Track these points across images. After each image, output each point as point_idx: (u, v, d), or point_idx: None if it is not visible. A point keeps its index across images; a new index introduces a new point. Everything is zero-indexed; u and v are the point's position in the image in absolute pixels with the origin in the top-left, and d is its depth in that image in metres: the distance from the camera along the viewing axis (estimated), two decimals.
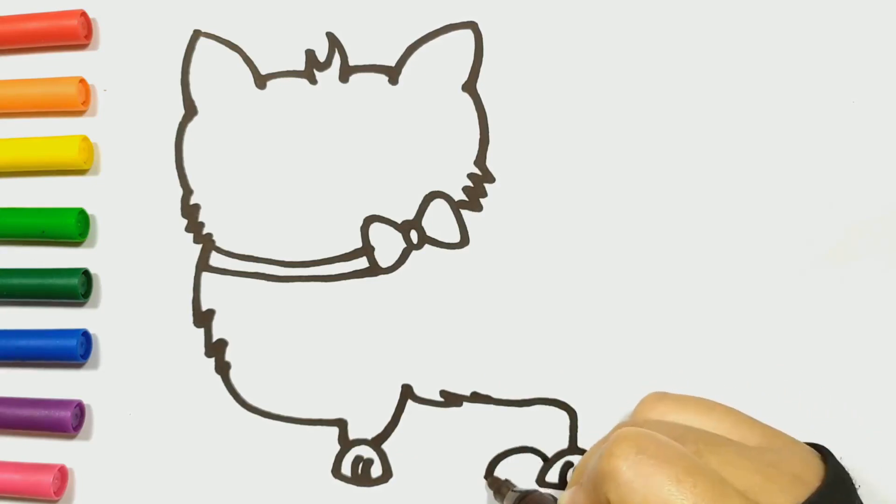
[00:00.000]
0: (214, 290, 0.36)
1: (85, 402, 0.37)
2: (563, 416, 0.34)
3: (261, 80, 0.37)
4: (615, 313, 0.34)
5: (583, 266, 0.34)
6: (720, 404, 0.28)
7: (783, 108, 0.34)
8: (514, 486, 0.33)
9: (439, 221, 0.35)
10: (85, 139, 0.37)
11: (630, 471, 0.23)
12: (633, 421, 0.30)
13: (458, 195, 0.35)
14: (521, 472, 0.34)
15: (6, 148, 0.37)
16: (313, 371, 0.35)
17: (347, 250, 0.36)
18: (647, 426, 0.26)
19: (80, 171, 0.37)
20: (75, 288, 0.36)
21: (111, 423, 0.37)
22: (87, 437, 0.37)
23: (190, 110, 0.37)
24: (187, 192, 0.37)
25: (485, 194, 0.35)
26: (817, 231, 0.33)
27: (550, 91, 0.35)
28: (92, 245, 0.37)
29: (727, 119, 0.34)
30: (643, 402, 0.30)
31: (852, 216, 0.33)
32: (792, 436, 0.28)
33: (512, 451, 0.34)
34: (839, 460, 0.26)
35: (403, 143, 0.35)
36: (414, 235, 0.35)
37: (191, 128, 0.37)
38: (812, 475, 0.24)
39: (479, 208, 0.35)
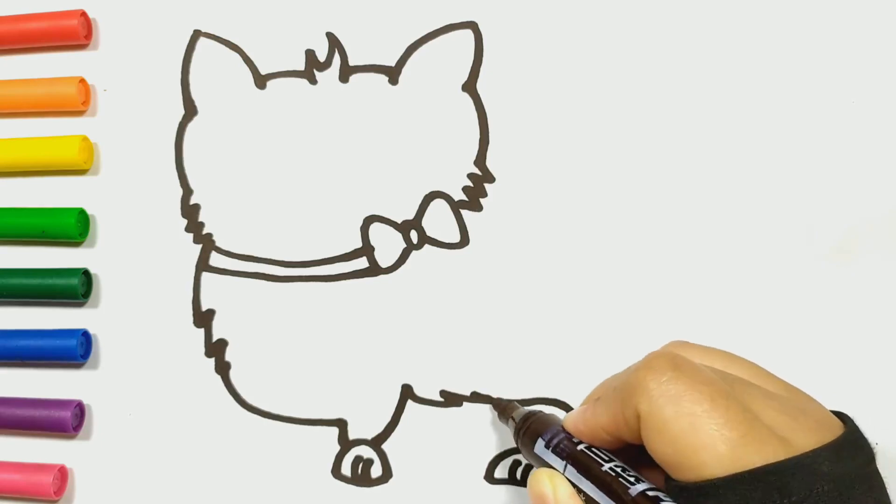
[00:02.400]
0: (214, 290, 0.36)
1: (85, 402, 0.37)
2: (563, 417, 0.34)
3: (261, 80, 0.37)
4: (615, 313, 0.34)
5: (583, 266, 0.34)
6: (742, 357, 0.28)
7: (784, 108, 0.34)
8: (518, 406, 0.32)
9: (439, 221, 0.35)
10: (85, 139, 0.37)
11: (665, 385, 0.23)
12: None
13: (458, 195, 0.35)
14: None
15: (6, 148, 0.37)
16: (313, 371, 0.35)
17: (347, 250, 0.36)
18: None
19: (80, 171, 0.37)
20: (75, 288, 0.36)
21: (111, 423, 0.37)
22: (87, 437, 0.37)
23: (190, 110, 0.37)
24: (187, 192, 0.37)
25: (485, 194, 0.35)
26: (818, 230, 0.33)
27: (550, 91, 0.35)
28: (92, 245, 0.37)
29: (728, 119, 0.34)
30: (665, 348, 0.29)
31: (852, 216, 0.33)
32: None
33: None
34: None
35: (403, 143, 0.35)
36: (414, 235, 0.35)
37: (191, 128, 0.37)
38: (835, 424, 0.24)
39: (479, 208, 0.35)
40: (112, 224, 0.37)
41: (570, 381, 0.34)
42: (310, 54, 0.36)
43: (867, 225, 0.33)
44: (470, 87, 0.35)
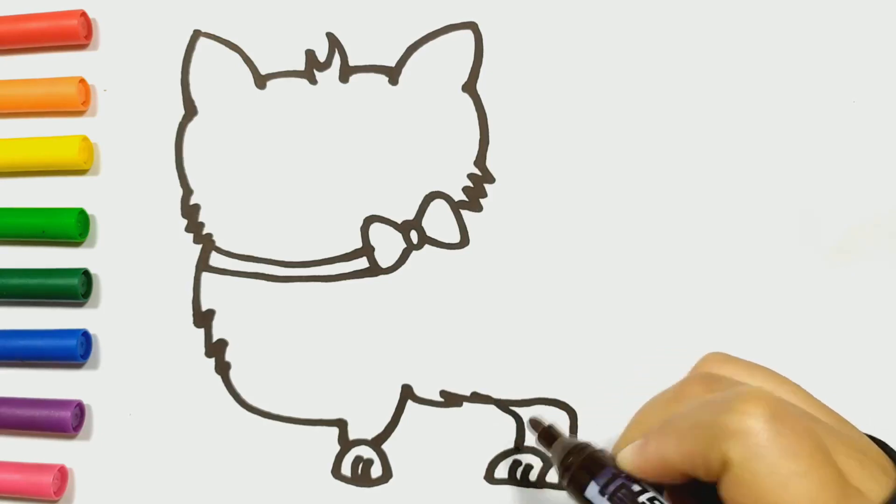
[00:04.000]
0: (214, 290, 0.36)
1: (85, 402, 0.37)
2: (563, 417, 0.34)
3: (261, 80, 0.37)
4: (615, 313, 0.34)
5: (583, 266, 0.34)
6: (788, 379, 0.26)
7: (784, 109, 0.34)
8: (562, 433, 0.29)
9: (439, 221, 0.35)
10: (85, 139, 0.37)
11: (764, 434, 0.22)
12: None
13: (458, 195, 0.35)
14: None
15: (6, 148, 0.37)
16: (313, 371, 0.35)
17: (347, 250, 0.36)
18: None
19: (80, 171, 0.37)
20: (75, 288, 0.36)
21: (111, 423, 0.37)
22: (87, 437, 0.37)
23: (190, 110, 0.37)
24: (187, 192, 0.37)
25: (485, 194, 0.35)
26: (818, 231, 0.33)
27: (550, 91, 0.35)
28: (92, 245, 0.37)
29: (727, 119, 0.34)
30: (706, 361, 0.27)
31: (853, 216, 0.33)
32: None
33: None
34: None
35: (403, 143, 0.35)
36: (414, 235, 0.35)
37: (191, 128, 0.37)
38: (890, 466, 0.23)
39: (479, 208, 0.35)
40: (112, 224, 0.37)
41: (571, 381, 0.34)
42: (310, 54, 0.36)
43: (868, 225, 0.33)
44: (470, 87, 0.35)
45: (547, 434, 0.29)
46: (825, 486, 0.21)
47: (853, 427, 0.25)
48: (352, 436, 0.35)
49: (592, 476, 0.25)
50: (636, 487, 0.24)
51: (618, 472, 0.25)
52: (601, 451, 0.26)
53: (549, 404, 0.34)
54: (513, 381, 0.34)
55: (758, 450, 0.22)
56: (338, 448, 0.35)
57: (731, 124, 0.34)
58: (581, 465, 0.26)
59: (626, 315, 0.34)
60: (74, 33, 0.37)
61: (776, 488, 0.21)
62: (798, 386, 0.26)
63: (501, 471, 0.35)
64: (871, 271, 0.33)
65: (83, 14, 0.37)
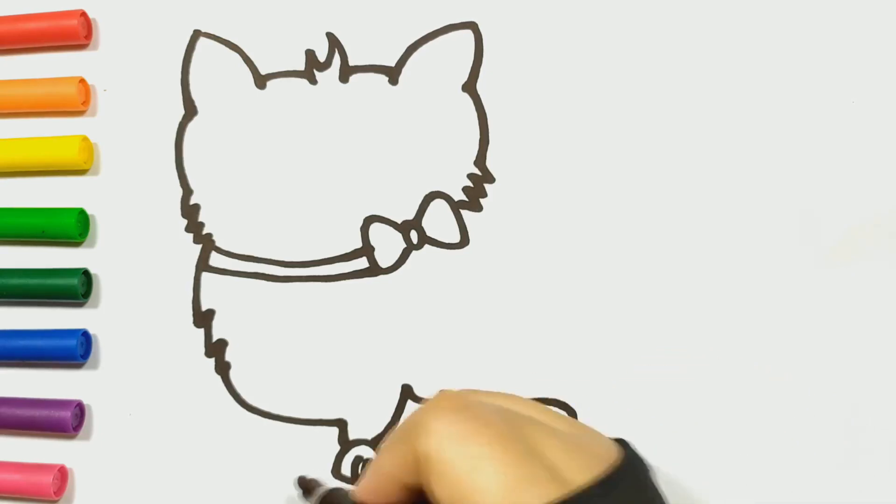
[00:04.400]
0: (214, 290, 0.36)
1: (85, 402, 0.37)
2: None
3: (261, 80, 0.37)
4: (615, 313, 0.34)
5: (583, 266, 0.34)
6: (526, 398, 0.29)
7: (783, 109, 0.34)
8: (321, 484, 0.32)
9: (439, 221, 0.35)
10: (85, 139, 0.37)
11: (447, 427, 0.23)
12: None
13: (458, 195, 0.35)
14: None
15: (6, 148, 0.37)
16: (313, 371, 0.35)
17: (347, 250, 0.36)
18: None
19: (80, 171, 0.37)
20: (75, 288, 0.36)
21: (111, 423, 0.37)
22: (87, 437, 0.37)
23: (190, 110, 0.37)
24: (187, 192, 0.37)
25: (485, 194, 0.35)
26: (817, 231, 0.33)
27: (550, 91, 0.35)
28: (92, 245, 0.37)
29: (727, 119, 0.34)
30: (446, 391, 0.30)
31: (852, 216, 0.33)
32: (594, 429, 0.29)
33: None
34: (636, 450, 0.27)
35: (403, 143, 0.35)
36: (414, 235, 0.35)
37: (191, 128, 0.37)
38: (612, 456, 0.25)
39: (479, 208, 0.35)
40: (112, 224, 0.37)
41: (571, 381, 0.34)
42: (310, 54, 0.36)
43: (868, 225, 0.33)
44: (470, 87, 0.35)
45: (308, 486, 0.32)
46: (510, 464, 0.22)
47: (588, 431, 0.27)
48: (352, 436, 0.35)
49: None
50: None
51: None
52: (339, 489, 0.30)
53: (549, 404, 0.34)
54: (513, 381, 0.34)
55: (445, 441, 0.23)
56: (338, 448, 0.35)
57: (730, 124, 0.34)
58: (324, 500, 0.30)
59: (626, 315, 0.34)
60: (74, 33, 0.37)
61: (468, 472, 0.22)
62: (535, 402, 0.28)
63: None
64: (871, 271, 0.33)
65: (83, 14, 0.37)
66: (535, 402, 0.28)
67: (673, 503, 0.33)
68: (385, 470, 0.26)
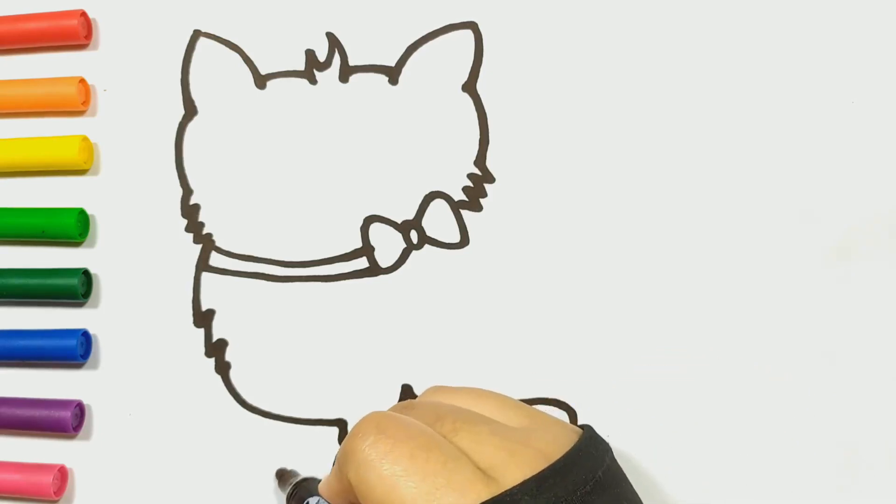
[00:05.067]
0: (214, 290, 0.36)
1: (85, 402, 0.37)
2: (563, 417, 0.34)
3: (261, 80, 0.37)
4: (615, 313, 0.34)
5: (583, 266, 0.34)
6: (491, 391, 0.29)
7: (783, 109, 0.34)
8: (296, 474, 0.33)
9: (439, 221, 0.35)
10: (85, 139, 0.37)
11: (369, 450, 0.24)
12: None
13: (458, 195, 0.35)
14: None
15: (6, 148, 0.37)
16: (313, 371, 0.35)
17: (347, 250, 0.36)
18: (412, 407, 0.27)
19: (80, 171, 0.37)
20: (75, 288, 0.36)
21: (111, 423, 0.37)
22: (87, 437, 0.37)
23: (190, 110, 0.37)
24: (187, 192, 0.37)
25: (485, 194, 0.35)
26: (817, 231, 0.33)
27: (550, 91, 0.35)
28: (92, 245, 0.37)
29: (727, 119, 0.34)
30: (422, 395, 0.30)
31: (852, 216, 0.33)
32: (557, 418, 0.28)
33: None
34: (604, 438, 0.27)
35: (403, 143, 0.35)
36: (414, 235, 0.35)
37: (191, 128, 0.37)
38: (558, 451, 0.25)
39: (479, 208, 0.35)
40: (112, 224, 0.37)
41: (571, 381, 0.34)
42: (310, 54, 0.36)
43: (867, 225, 0.33)
44: (470, 87, 0.35)
45: (283, 476, 0.34)
46: (428, 475, 0.23)
47: (544, 422, 0.27)
48: None
49: (302, 499, 0.30)
50: None
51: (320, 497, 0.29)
52: (312, 479, 0.32)
53: (549, 404, 0.34)
54: (513, 381, 0.34)
55: (364, 465, 0.23)
56: (338, 448, 0.35)
57: (730, 124, 0.34)
58: (294, 490, 0.31)
59: (626, 315, 0.34)
60: (74, 33, 0.37)
61: (388, 491, 0.23)
62: (499, 394, 0.28)
63: None
64: (871, 271, 0.33)
65: (83, 14, 0.37)
66: (496, 395, 0.28)
67: (673, 503, 0.33)
68: (334, 487, 0.27)
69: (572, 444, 0.25)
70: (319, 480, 0.30)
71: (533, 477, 0.23)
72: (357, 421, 0.25)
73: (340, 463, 0.25)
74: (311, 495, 0.29)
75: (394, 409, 0.28)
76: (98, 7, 0.38)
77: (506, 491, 0.22)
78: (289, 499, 0.32)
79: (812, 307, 0.33)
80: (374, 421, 0.25)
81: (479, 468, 0.23)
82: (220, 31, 0.37)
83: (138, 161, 0.37)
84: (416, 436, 0.24)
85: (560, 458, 0.24)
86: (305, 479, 0.32)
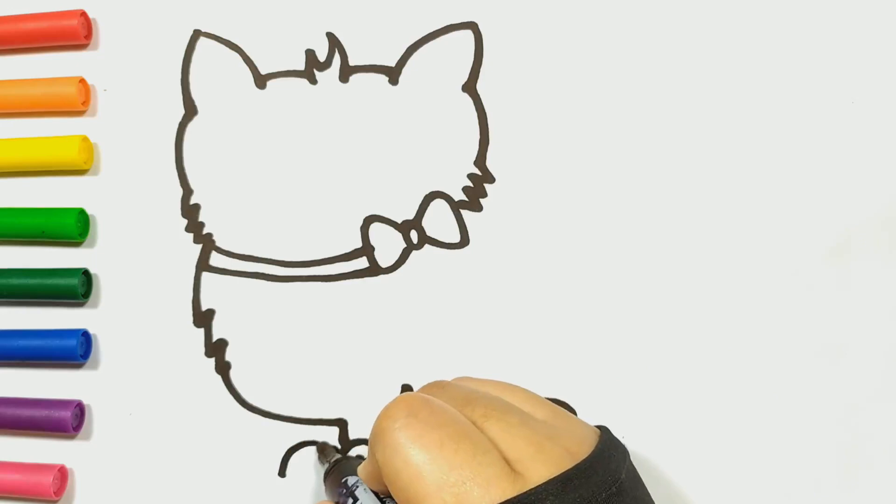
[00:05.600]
0: (214, 290, 0.36)
1: (85, 402, 0.37)
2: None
3: (261, 80, 0.37)
4: (615, 313, 0.34)
5: (583, 266, 0.34)
6: (517, 385, 0.29)
7: (783, 109, 0.34)
8: (335, 451, 0.34)
9: (439, 221, 0.35)
10: (85, 139, 0.37)
11: (398, 432, 0.23)
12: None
13: (458, 195, 0.35)
14: None
15: (6, 148, 0.37)
16: (313, 371, 0.35)
17: (347, 250, 0.36)
18: (442, 388, 0.27)
19: (80, 171, 0.37)
20: (75, 288, 0.36)
21: (111, 423, 0.37)
22: (87, 437, 0.37)
23: (190, 110, 0.37)
24: (187, 192, 0.37)
25: (485, 194, 0.35)
26: (817, 231, 0.33)
27: (550, 91, 0.35)
28: (92, 245, 0.37)
29: (727, 119, 0.34)
30: (430, 384, 0.30)
31: (852, 216, 0.33)
32: (579, 418, 0.28)
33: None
34: (620, 439, 0.27)
35: (403, 143, 0.35)
36: (414, 235, 0.35)
37: (191, 128, 0.37)
38: (583, 451, 0.24)
39: (479, 208, 0.35)
40: (112, 224, 0.37)
41: (571, 381, 0.34)
42: (310, 54, 0.36)
43: (868, 225, 0.33)
44: (470, 87, 0.35)
45: (323, 450, 0.34)
46: (456, 466, 0.22)
47: (568, 421, 0.26)
48: (352, 436, 0.35)
49: (341, 476, 0.29)
50: (362, 490, 0.27)
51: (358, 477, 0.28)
52: (353, 458, 0.31)
53: None
54: (513, 381, 0.34)
55: (392, 448, 0.23)
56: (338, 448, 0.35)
57: (730, 124, 0.34)
58: (334, 465, 0.31)
59: (625, 315, 0.34)
60: (74, 33, 0.37)
61: (414, 477, 0.23)
62: (523, 389, 0.28)
63: None
64: (871, 271, 0.33)
65: (83, 14, 0.37)
66: (523, 389, 0.28)
67: (674, 503, 0.33)
68: (368, 471, 0.27)
69: (595, 445, 0.25)
70: (360, 461, 0.30)
71: (559, 476, 0.23)
72: (390, 402, 0.25)
73: (371, 442, 0.25)
74: (350, 475, 0.29)
75: (425, 388, 0.28)
76: (98, 7, 0.38)
77: (530, 490, 0.22)
78: (327, 474, 0.31)
79: (812, 307, 0.33)
80: (406, 402, 0.24)
81: (506, 459, 0.23)
82: (220, 31, 0.37)
83: (138, 161, 0.37)
84: (448, 423, 0.24)
85: (586, 458, 0.24)
86: (347, 458, 0.32)
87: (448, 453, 0.23)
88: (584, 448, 0.25)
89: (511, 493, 0.22)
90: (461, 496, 0.22)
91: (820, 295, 0.33)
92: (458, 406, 0.25)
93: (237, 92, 0.37)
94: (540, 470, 0.23)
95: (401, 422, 0.24)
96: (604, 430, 0.27)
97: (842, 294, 0.33)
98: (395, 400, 0.25)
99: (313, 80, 0.36)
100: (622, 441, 0.27)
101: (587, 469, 0.23)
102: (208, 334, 0.36)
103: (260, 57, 0.37)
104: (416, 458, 0.23)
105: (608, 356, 0.34)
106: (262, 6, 0.37)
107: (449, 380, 0.30)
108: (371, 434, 0.25)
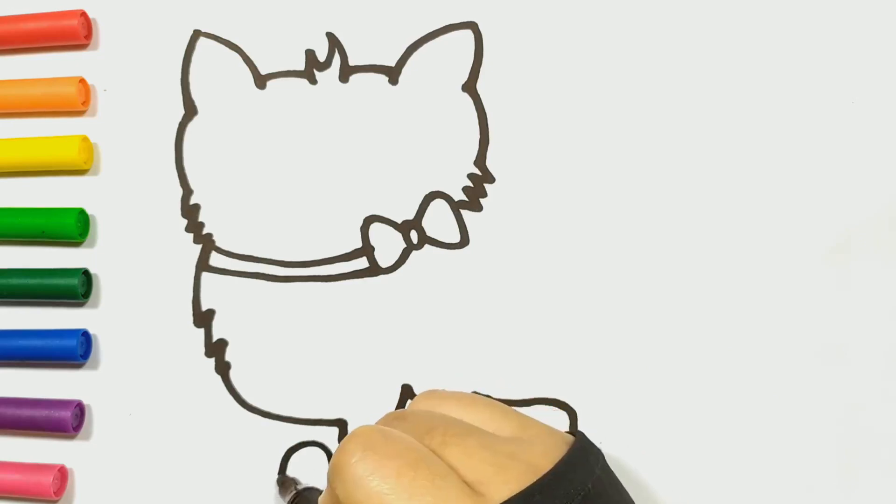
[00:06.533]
0: (214, 290, 0.36)
1: (85, 402, 0.37)
2: (563, 417, 0.34)
3: (261, 80, 0.37)
4: (615, 313, 0.34)
5: (583, 266, 0.34)
6: (483, 398, 0.29)
7: (783, 108, 0.34)
8: (300, 482, 0.34)
9: (439, 221, 0.35)
10: (85, 139, 0.37)
11: (356, 466, 0.24)
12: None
13: (458, 195, 0.35)
14: None
15: (6, 148, 0.37)
16: (313, 371, 0.35)
17: (347, 250, 0.36)
18: (402, 418, 0.27)
19: (80, 171, 0.37)
20: (75, 288, 0.36)
21: (111, 423, 0.37)
22: (87, 437, 0.37)
23: (190, 110, 0.37)
24: (187, 192, 0.37)
25: (485, 194, 0.35)
26: (817, 231, 0.33)
27: (550, 91, 0.35)
28: (92, 245, 0.37)
29: (727, 119, 0.34)
30: (415, 401, 0.30)
31: (852, 216, 0.33)
32: (551, 426, 0.28)
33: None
34: (594, 445, 0.27)
35: (403, 143, 0.35)
36: (414, 235, 0.35)
37: (191, 128, 0.37)
38: (547, 464, 0.25)
39: (479, 208, 0.35)
40: (112, 224, 0.37)
41: (571, 381, 0.34)
42: (310, 54, 0.36)
43: (865, 226, 0.33)
44: (470, 87, 0.35)
45: (283, 483, 0.34)
46: (414, 495, 0.23)
47: (536, 433, 0.27)
48: None
49: None
50: None
51: None
52: (314, 489, 0.33)
53: (549, 404, 0.34)
54: (513, 381, 0.34)
55: (351, 483, 0.24)
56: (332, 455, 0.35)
57: (730, 124, 0.34)
58: (294, 499, 0.32)
59: (626, 315, 0.34)
60: (74, 33, 0.37)
61: None
62: (490, 401, 0.28)
63: None
64: (870, 270, 0.33)
65: (83, 14, 0.37)
66: (488, 402, 0.28)
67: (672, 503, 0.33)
68: (327, 502, 0.26)
69: (561, 456, 0.25)
70: (320, 492, 0.30)
71: (520, 493, 0.23)
72: (347, 436, 0.25)
73: (329, 478, 0.25)
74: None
75: (385, 420, 0.28)
76: (98, 7, 0.38)
77: None
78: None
79: (812, 307, 0.33)
80: (361, 436, 0.25)
81: (466, 483, 0.23)
82: (220, 31, 0.37)
83: (138, 161, 0.37)
84: (404, 453, 0.24)
85: (549, 472, 0.24)
86: (308, 489, 0.32)
87: (406, 482, 0.23)
88: (548, 460, 0.25)
89: None
90: None
91: (820, 295, 0.33)
92: (417, 435, 0.25)
93: (237, 92, 0.37)
94: (501, 489, 0.23)
95: (357, 455, 0.24)
96: (578, 437, 0.27)
97: (842, 294, 0.33)
98: (350, 435, 0.25)
99: (313, 80, 0.36)
100: (600, 445, 0.27)
101: (550, 482, 0.24)
102: (208, 334, 0.36)
103: (260, 57, 0.37)
104: (376, 489, 0.23)
105: (608, 356, 0.34)
106: (262, 6, 0.37)
107: (410, 402, 0.30)
108: (329, 470, 0.25)
